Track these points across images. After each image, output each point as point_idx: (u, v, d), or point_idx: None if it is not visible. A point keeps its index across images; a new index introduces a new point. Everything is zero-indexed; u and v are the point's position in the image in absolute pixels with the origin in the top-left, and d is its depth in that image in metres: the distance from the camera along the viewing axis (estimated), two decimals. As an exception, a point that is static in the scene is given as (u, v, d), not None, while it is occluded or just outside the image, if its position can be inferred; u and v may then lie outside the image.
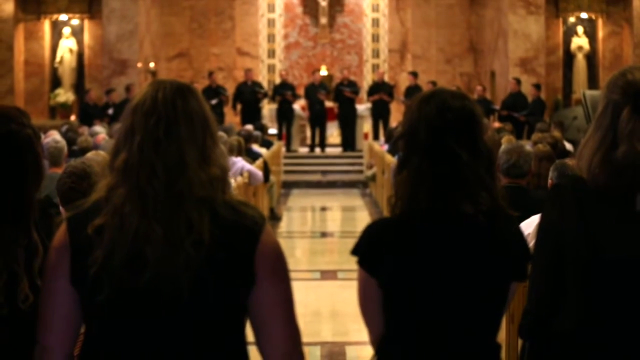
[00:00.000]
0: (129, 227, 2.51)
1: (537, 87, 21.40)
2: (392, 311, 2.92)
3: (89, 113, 20.97)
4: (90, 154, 7.14)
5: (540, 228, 2.86)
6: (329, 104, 23.80)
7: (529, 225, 5.20)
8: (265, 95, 23.63)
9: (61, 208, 5.21)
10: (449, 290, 2.87)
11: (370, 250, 2.92)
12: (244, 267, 2.55)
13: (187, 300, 2.50)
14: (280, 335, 2.61)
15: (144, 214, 2.52)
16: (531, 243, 2.98)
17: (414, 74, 23.80)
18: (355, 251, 2.94)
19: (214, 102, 21.58)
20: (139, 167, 2.54)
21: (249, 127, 17.92)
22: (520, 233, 2.99)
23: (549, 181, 6.26)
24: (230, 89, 23.74)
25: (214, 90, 22.62)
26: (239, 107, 23.39)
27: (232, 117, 23.25)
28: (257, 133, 17.90)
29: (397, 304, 2.91)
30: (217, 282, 2.52)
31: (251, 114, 22.82)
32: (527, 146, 7.48)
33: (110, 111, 20.73)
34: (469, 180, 2.87)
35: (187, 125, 2.58)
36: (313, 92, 23.48)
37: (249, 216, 2.58)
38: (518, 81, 21.58)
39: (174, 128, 2.56)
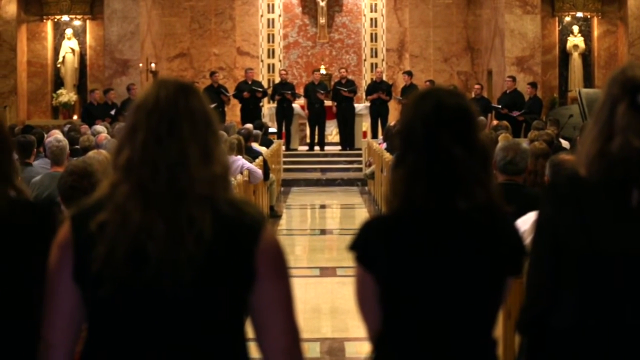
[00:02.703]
0: (132, 223, 2.52)
1: (534, 85, 21.36)
2: (389, 307, 2.92)
3: (92, 113, 20.94)
4: (91, 153, 7.19)
5: (537, 224, 2.88)
6: (327, 102, 23.79)
7: (525, 222, 5.17)
8: (264, 94, 23.68)
9: (62, 207, 5.23)
10: (445, 287, 2.87)
11: (368, 246, 2.91)
12: (244, 264, 2.55)
13: (188, 296, 2.51)
14: (279, 331, 2.62)
15: (146, 211, 2.52)
16: (528, 239, 2.94)
17: (409, 74, 23.80)
18: (352, 247, 2.94)
19: (213, 105, 21.61)
20: (142, 164, 2.55)
21: (249, 125, 17.86)
22: (515, 229, 2.99)
23: (546, 177, 6.23)
24: (231, 88, 23.81)
25: (215, 90, 22.66)
26: (238, 105, 23.50)
27: (232, 116, 23.38)
28: (257, 132, 17.86)
29: (393, 300, 2.91)
30: (218, 279, 2.53)
31: (251, 112, 22.87)
32: (524, 144, 7.54)
33: (113, 111, 20.78)
34: (464, 177, 2.87)
35: (189, 123, 2.58)
36: (312, 91, 23.51)
37: (250, 214, 2.59)
38: (514, 79, 21.62)
39: (176, 126, 2.57)
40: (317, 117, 23.72)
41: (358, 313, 3.05)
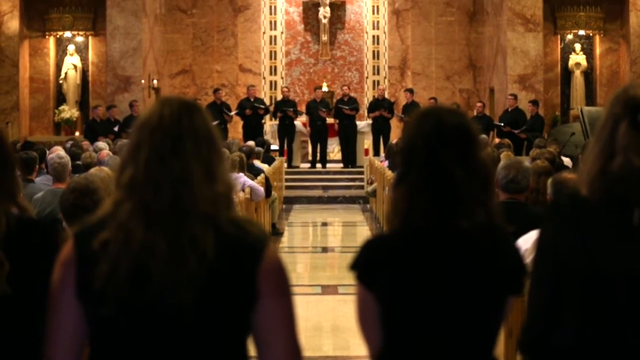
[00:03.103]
0: (134, 241, 2.52)
1: (535, 103, 21.34)
2: (390, 326, 2.92)
3: (95, 129, 20.95)
4: (93, 170, 7.20)
5: (539, 243, 2.87)
6: (329, 120, 23.80)
7: (527, 241, 5.19)
8: (266, 111, 23.66)
9: (65, 224, 5.25)
10: (446, 306, 2.87)
11: (369, 265, 2.92)
12: (247, 283, 2.55)
13: (190, 315, 2.51)
14: (282, 350, 2.62)
15: (148, 229, 2.53)
16: (529, 258, 2.94)
17: (411, 91, 23.87)
18: (353, 266, 2.94)
19: (216, 122, 21.69)
20: (145, 182, 2.55)
21: (251, 143, 17.88)
22: (515, 248, 3.00)
23: (548, 196, 6.25)
24: (233, 105, 23.83)
25: (218, 107, 22.75)
26: (241, 122, 23.55)
27: (234, 133, 23.39)
28: (259, 149, 17.88)
29: (395, 319, 2.91)
30: (220, 298, 2.53)
31: (253, 129, 22.90)
32: (526, 162, 7.54)
33: (116, 128, 20.76)
34: (464, 197, 2.88)
35: (193, 141, 2.58)
36: (314, 108, 23.53)
37: (252, 234, 2.59)
38: (515, 97, 21.61)
39: (180, 144, 2.57)
40: (318, 135, 23.73)
41: (359, 332, 3.05)
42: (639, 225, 2.70)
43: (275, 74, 26.27)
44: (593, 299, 2.72)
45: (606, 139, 2.75)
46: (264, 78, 26.13)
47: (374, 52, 26.20)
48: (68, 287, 2.60)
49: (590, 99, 23.43)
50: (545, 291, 2.81)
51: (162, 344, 2.54)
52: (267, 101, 24.78)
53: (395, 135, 22.32)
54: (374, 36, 26.21)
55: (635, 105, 2.72)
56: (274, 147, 23.18)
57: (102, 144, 15.10)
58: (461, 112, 3.06)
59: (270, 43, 26.23)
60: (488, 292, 2.90)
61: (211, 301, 2.53)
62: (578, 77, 23.67)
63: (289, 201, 21.69)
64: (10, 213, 2.99)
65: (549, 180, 6.28)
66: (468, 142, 2.94)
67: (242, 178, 12.65)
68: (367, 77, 26.25)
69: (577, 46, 23.73)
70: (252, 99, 23.58)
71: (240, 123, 23.67)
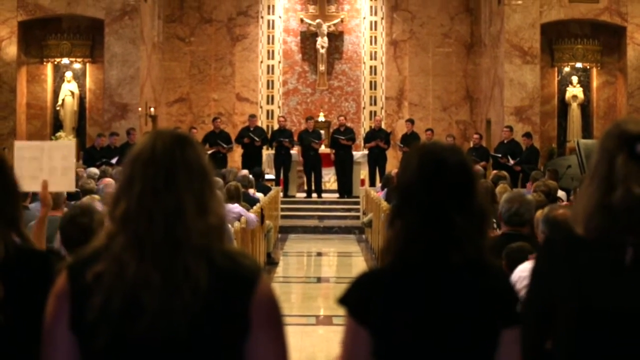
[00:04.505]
0: (128, 274, 2.53)
1: (528, 135, 21.33)
2: None
3: (94, 157, 20.90)
4: (85, 199, 7.19)
5: (532, 278, 2.91)
6: (325, 150, 23.83)
7: (525, 270, 5.22)
8: (264, 142, 23.57)
9: (63, 250, 5.27)
10: (440, 340, 2.86)
11: (362, 301, 2.89)
12: (240, 315, 2.56)
13: (183, 347, 2.52)
14: None
15: (142, 261, 2.54)
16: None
17: (411, 121, 23.94)
18: (344, 301, 2.92)
19: (213, 150, 21.76)
20: (138, 216, 2.57)
21: (244, 172, 17.91)
22: (507, 281, 2.99)
23: (540, 234, 6.19)
24: (230, 133, 23.86)
25: (217, 136, 22.82)
26: (240, 151, 23.60)
27: (231, 162, 23.40)
28: (254, 178, 17.89)
29: (388, 355, 2.88)
30: (213, 330, 2.53)
31: (252, 158, 22.98)
32: (529, 195, 7.57)
33: (114, 160, 20.58)
34: (461, 240, 2.87)
35: (186, 175, 2.60)
36: (306, 139, 23.53)
37: (245, 266, 2.60)
38: (511, 129, 21.64)
39: (173, 178, 2.59)
40: (312, 165, 23.70)
41: None
42: (631, 264, 2.71)
43: (272, 103, 26.31)
44: (583, 334, 2.74)
45: (603, 175, 2.76)
46: (261, 107, 26.17)
47: (371, 82, 26.26)
48: (62, 319, 2.60)
49: (587, 132, 23.49)
50: (538, 325, 2.86)
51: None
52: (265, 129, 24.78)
53: (391, 166, 22.34)
54: (371, 67, 26.28)
55: (631, 137, 2.74)
56: (270, 176, 23.18)
57: (94, 170, 15.09)
58: (461, 150, 3.05)
59: (268, 72, 26.30)
60: (481, 326, 2.88)
61: (204, 332, 2.53)
62: (575, 109, 23.74)
63: (285, 230, 21.68)
64: (11, 241, 2.98)
65: (539, 214, 6.26)
66: (468, 184, 2.92)
67: (238, 208, 12.65)
68: (364, 108, 26.30)
69: (574, 79, 23.83)
70: (252, 128, 23.64)
71: (238, 151, 23.68)
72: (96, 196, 7.38)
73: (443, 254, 2.87)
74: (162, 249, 2.55)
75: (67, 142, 6.54)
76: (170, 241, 2.55)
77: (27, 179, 6.05)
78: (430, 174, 2.90)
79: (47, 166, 6.21)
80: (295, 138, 23.90)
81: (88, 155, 21.39)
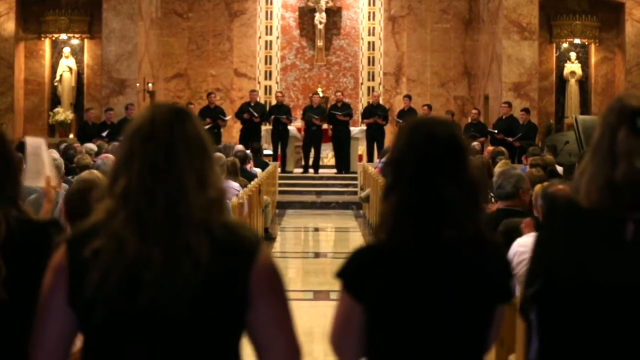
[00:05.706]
0: (128, 251, 2.52)
1: (527, 111, 21.33)
2: (377, 338, 2.91)
3: (87, 132, 20.95)
4: (84, 174, 7.20)
5: (534, 247, 2.89)
6: (324, 125, 23.84)
7: (523, 245, 5.29)
8: (262, 118, 23.48)
9: (64, 222, 5.24)
10: (435, 317, 2.87)
11: (358, 275, 2.90)
12: (240, 286, 2.55)
13: (184, 321, 2.52)
14: (280, 352, 2.63)
15: (142, 238, 2.53)
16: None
17: (409, 97, 23.90)
18: (341, 275, 2.93)
19: (209, 125, 21.68)
20: (139, 193, 2.55)
21: (240, 147, 17.86)
22: (503, 257, 3.01)
23: (538, 209, 6.18)
24: (226, 109, 23.89)
25: (212, 111, 22.80)
26: (238, 126, 23.58)
27: (229, 137, 23.39)
28: (252, 154, 17.87)
29: (382, 331, 2.89)
30: (214, 303, 2.53)
31: (251, 133, 23.00)
32: (518, 169, 7.55)
33: (105, 133, 20.48)
34: (454, 212, 2.87)
35: (185, 149, 2.58)
36: (307, 114, 23.52)
37: (245, 237, 2.60)
38: (510, 105, 21.64)
39: (173, 153, 2.57)
40: (313, 140, 23.69)
41: (332, 345, 3.02)
42: (632, 239, 2.70)
43: (270, 78, 26.25)
44: (581, 309, 2.73)
45: (604, 149, 2.76)
46: (259, 83, 26.10)
47: (369, 58, 26.19)
48: (59, 293, 2.60)
49: (584, 108, 23.47)
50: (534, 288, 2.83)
51: (155, 349, 2.54)
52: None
53: (389, 142, 22.26)
54: (369, 42, 26.19)
55: (633, 112, 2.74)
56: (268, 151, 23.17)
57: (92, 145, 15.07)
58: (452, 123, 3.05)
59: (266, 48, 26.22)
60: (475, 301, 2.90)
61: (205, 305, 2.53)
62: (573, 85, 23.71)
63: (282, 206, 21.67)
64: (11, 216, 2.97)
65: (537, 189, 6.25)
66: (459, 157, 2.93)
67: (234, 185, 12.57)
68: (362, 83, 26.24)
69: (573, 55, 23.78)
70: (253, 104, 23.62)
71: (236, 126, 23.65)
72: (95, 171, 7.39)
73: (435, 229, 2.87)
74: (163, 226, 2.53)
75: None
76: (171, 218, 2.54)
77: (32, 174, 6.19)
78: (420, 147, 2.90)
79: (47, 162, 6.33)
80: (297, 114, 23.83)
81: (82, 131, 21.35)
